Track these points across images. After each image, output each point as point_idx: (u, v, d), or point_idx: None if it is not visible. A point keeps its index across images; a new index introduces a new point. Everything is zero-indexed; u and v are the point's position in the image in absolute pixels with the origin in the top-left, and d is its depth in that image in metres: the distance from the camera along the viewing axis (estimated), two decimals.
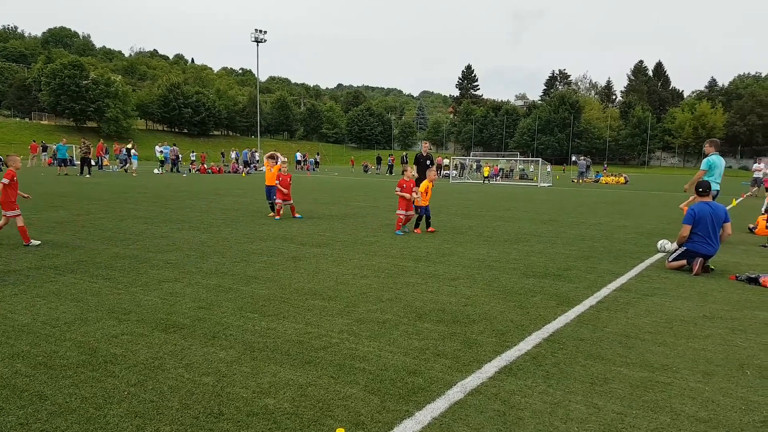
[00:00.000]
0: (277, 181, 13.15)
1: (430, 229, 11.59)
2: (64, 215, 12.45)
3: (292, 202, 13.60)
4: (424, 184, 11.59)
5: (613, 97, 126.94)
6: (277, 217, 13.00)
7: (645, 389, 3.84)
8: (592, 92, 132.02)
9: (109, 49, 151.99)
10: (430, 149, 16.34)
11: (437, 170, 51.11)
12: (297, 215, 13.40)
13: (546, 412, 3.45)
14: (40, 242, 8.74)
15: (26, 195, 9.09)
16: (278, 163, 13.58)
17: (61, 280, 6.54)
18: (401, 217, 11.18)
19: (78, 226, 10.81)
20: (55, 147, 37.61)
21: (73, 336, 4.60)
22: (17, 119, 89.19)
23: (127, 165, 35.96)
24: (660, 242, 9.87)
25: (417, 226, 11.61)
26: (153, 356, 4.19)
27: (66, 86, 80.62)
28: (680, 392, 3.81)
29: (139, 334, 4.69)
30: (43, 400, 3.43)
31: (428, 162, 14.08)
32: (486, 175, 43.16)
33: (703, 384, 3.97)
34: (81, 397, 3.48)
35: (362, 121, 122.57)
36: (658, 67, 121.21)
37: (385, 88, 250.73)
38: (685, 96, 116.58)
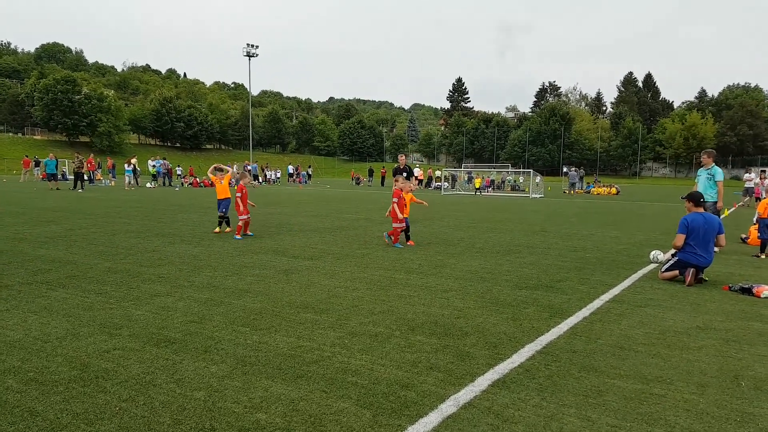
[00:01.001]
0: (238, 194, 12.04)
1: (409, 242, 11.45)
2: (56, 230, 12.38)
3: (248, 216, 12.27)
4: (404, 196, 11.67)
5: (604, 108, 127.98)
6: (237, 236, 11.80)
7: (639, 401, 3.84)
8: (583, 104, 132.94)
9: (102, 64, 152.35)
10: (408, 163, 16.99)
11: (428, 182, 51.52)
12: (249, 232, 12.31)
13: (539, 426, 3.43)
14: None
15: None
16: (227, 174, 13.12)
17: (53, 295, 6.50)
18: (397, 229, 11.15)
19: (70, 241, 10.75)
20: (43, 162, 37.55)
21: (64, 351, 4.56)
22: (10, 134, 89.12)
23: (129, 180, 36.06)
24: (652, 253, 9.88)
25: (408, 238, 11.57)
26: (145, 371, 4.16)
27: (59, 101, 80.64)
28: (674, 404, 3.81)
29: (130, 348, 4.66)
30: (35, 416, 3.40)
31: (404, 174, 14.61)
32: (478, 186, 43.29)
33: (697, 396, 3.96)
34: (72, 413, 3.44)
35: (354, 134, 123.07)
36: (648, 78, 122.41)
37: (377, 101, 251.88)
38: (675, 107, 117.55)
